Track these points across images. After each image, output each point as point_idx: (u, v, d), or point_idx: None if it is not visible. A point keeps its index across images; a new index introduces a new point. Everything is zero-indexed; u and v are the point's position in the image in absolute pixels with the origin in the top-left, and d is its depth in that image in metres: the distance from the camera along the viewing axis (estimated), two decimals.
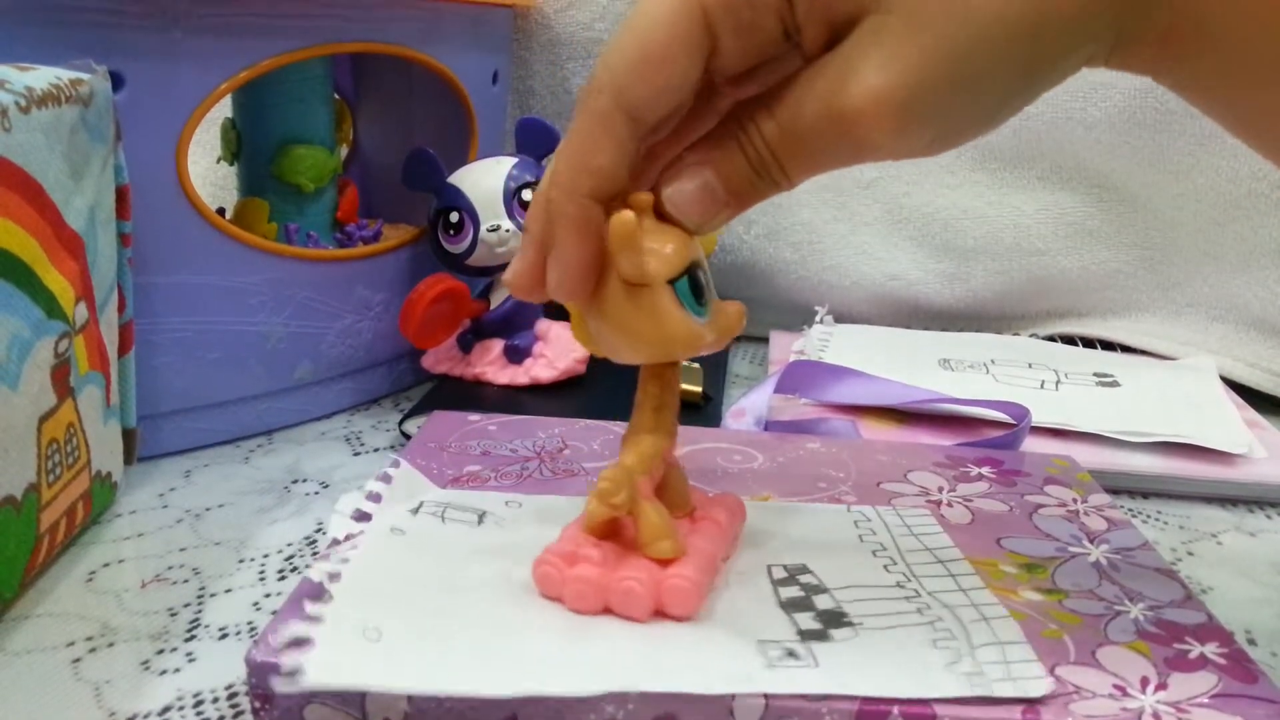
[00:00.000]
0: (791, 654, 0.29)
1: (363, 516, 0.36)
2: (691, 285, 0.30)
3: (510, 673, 0.28)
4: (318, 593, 0.31)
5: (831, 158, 0.28)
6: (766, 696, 0.27)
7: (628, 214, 0.29)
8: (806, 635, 0.30)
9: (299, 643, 0.29)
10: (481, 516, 0.38)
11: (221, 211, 0.56)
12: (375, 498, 0.38)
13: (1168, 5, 0.26)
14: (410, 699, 0.28)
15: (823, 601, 0.32)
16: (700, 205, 0.30)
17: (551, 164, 0.30)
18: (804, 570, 0.34)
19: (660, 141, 0.31)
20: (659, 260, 0.30)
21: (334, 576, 0.32)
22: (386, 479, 0.39)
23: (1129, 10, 0.26)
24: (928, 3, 0.26)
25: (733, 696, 0.27)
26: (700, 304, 0.31)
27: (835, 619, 0.31)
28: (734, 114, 0.30)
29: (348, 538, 0.35)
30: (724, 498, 0.36)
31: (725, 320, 0.32)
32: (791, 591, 0.32)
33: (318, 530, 0.42)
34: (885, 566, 0.34)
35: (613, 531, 0.33)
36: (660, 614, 0.31)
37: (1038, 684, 0.28)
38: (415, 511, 0.38)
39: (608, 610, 0.31)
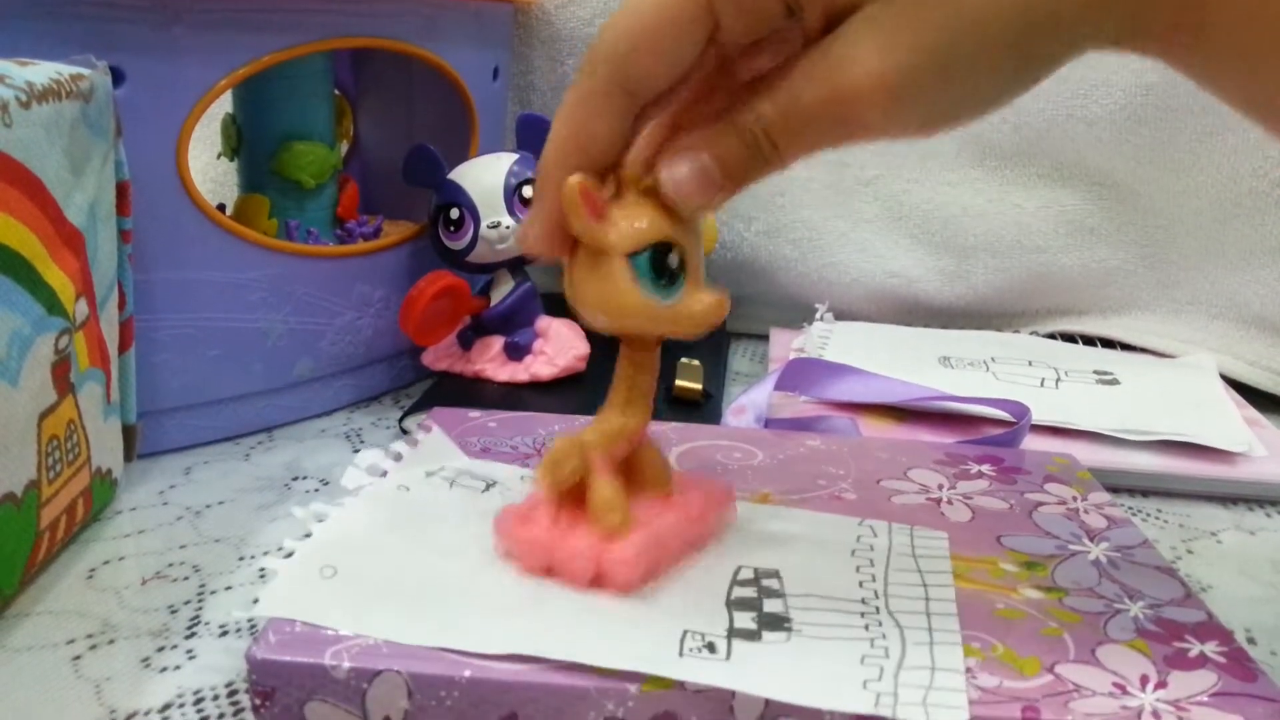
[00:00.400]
0: (710, 647, 0.29)
1: (378, 472, 0.38)
2: (654, 263, 0.30)
3: (430, 625, 0.29)
4: (299, 531, 0.33)
5: (826, 137, 0.29)
6: (688, 686, 0.28)
7: (574, 179, 0.29)
8: (736, 633, 0.30)
9: (266, 575, 0.31)
10: (490, 485, 0.39)
11: (222, 208, 0.56)
12: (396, 457, 0.40)
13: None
14: (410, 695, 0.28)
15: (772, 605, 0.31)
16: (697, 188, 0.30)
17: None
18: (772, 575, 0.33)
19: (682, 111, 0.32)
20: (619, 232, 0.30)
21: (320, 517, 0.35)
22: (414, 442, 0.41)
23: (1133, 6, 0.26)
24: None
25: (733, 694, 0.27)
26: (663, 284, 0.31)
27: (776, 622, 0.31)
28: (729, 97, 0.30)
29: (359, 489, 0.37)
30: (710, 484, 0.36)
31: (697, 307, 0.31)
32: (746, 592, 0.32)
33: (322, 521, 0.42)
34: (861, 582, 0.33)
35: (577, 501, 0.33)
36: (598, 584, 0.32)
37: (951, 713, 0.27)
38: (431, 474, 0.39)
39: (551, 572, 0.32)
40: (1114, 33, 0.27)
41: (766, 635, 0.30)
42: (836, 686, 0.27)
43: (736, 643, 0.29)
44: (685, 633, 0.30)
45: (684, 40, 0.29)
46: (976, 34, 0.26)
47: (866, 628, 0.30)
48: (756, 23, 0.29)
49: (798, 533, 0.37)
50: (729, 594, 0.32)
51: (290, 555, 0.33)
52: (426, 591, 0.31)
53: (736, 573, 0.33)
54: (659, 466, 0.35)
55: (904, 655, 0.29)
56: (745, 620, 0.31)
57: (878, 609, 0.32)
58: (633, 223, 0.30)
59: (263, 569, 0.31)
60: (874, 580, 0.33)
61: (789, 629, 0.30)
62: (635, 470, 0.35)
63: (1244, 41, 0.26)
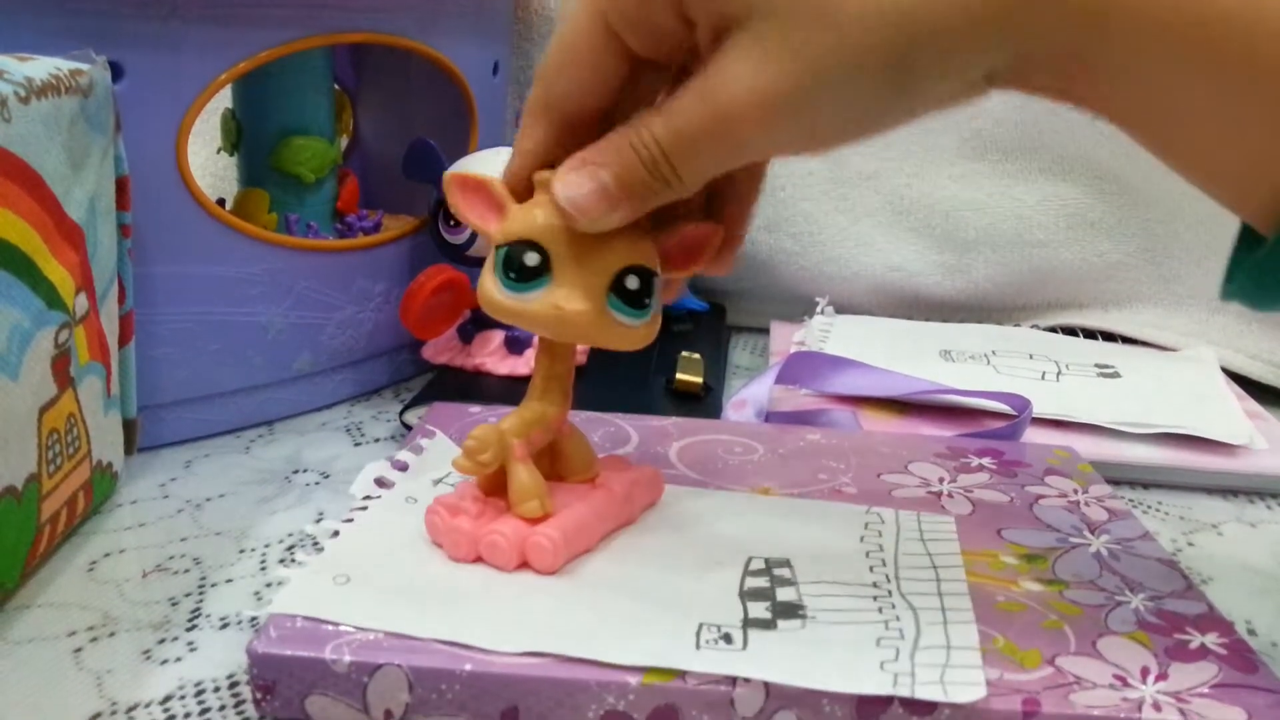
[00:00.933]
0: (727, 638, 0.29)
1: (385, 483, 0.38)
2: (507, 259, 0.32)
3: (447, 622, 0.30)
4: (311, 544, 0.34)
5: (713, 156, 0.30)
6: (702, 678, 0.28)
7: (450, 174, 0.34)
8: (752, 623, 0.30)
9: (280, 584, 0.31)
10: None
11: (222, 202, 0.56)
12: (401, 466, 0.40)
13: (1071, 29, 0.25)
14: (411, 689, 0.28)
15: (785, 594, 0.32)
16: (593, 203, 0.31)
17: None
18: (783, 564, 0.34)
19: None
20: (498, 226, 0.33)
21: (332, 533, 0.35)
22: (418, 449, 0.41)
23: (1024, 31, 0.26)
24: (802, 13, 0.27)
25: (734, 687, 0.27)
26: (512, 279, 0.32)
27: (790, 611, 0.31)
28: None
29: (365, 499, 0.37)
30: (637, 470, 0.37)
31: (533, 306, 0.32)
32: (758, 582, 0.32)
33: (318, 521, 0.42)
34: (871, 567, 0.33)
35: (502, 489, 0.35)
36: (524, 568, 0.33)
37: (970, 690, 0.27)
38: (438, 482, 0.39)
39: (480, 559, 0.33)
40: (1006, 60, 0.27)
41: (781, 624, 0.30)
42: (855, 670, 0.28)
43: (753, 632, 0.30)
44: (701, 625, 0.30)
45: (596, 63, 0.31)
46: (854, 53, 0.26)
47: (880, 611, 0.31)
48: (659, 41, 0.30)
49: (805, 521, 0.37)
50: (741, 585, 0.32)
51: (303, 565, 0.33)
52: (443, 594, 0.31)
53: (748, 563, 0.34)
54: (583, 453, 0.37)
55: (919, 636, 0.29)
56: (759, 610, 0.31)
57: (890, 592, 0.32)
58: (509, 218, 0.33)
59: (278, 580, 0.31)
60: (884, 565, 0.34)
61: (803, 616, 0.30)
62: (559, 457, 0.36)
63: (1149, 85, 0.26)
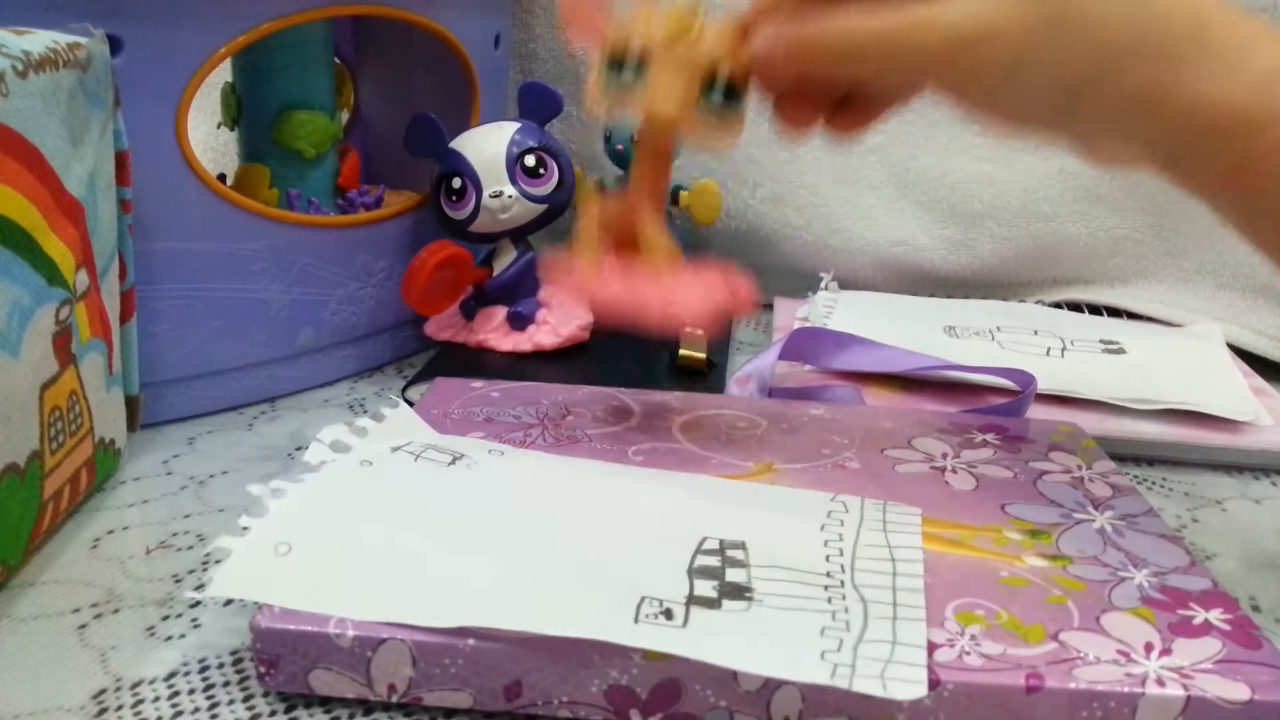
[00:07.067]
0: (668, 614, 0.29)
1: (342, 448, 0.38)
2: (610, 64, 0.37)
3: (380, 600, 0.29)
4: (256, 508, 0.33)
5: (893, 59, 0.32)
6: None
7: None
8: (696, 600, 0.30)
9: (221, 553, 0.31)
10: (456, 459, 0.38)
11: (222, 177, 0.55)
12: (360, 432, 0.39)
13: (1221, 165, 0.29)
14: (415, 663, 0.28)
15: (734, 575, 0.31)
16: (770, 50, 0.34)
17: None
18: (738, 546, 0.33)
19: None
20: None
21: (278, 493, 0.34)
22: (379, 417, 0.41)
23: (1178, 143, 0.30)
24: None
25: (735, 672, 0.27)
26: (618, 79, 0.37)
27: (737, 591, 0.30)
28: None
29: (320, 464, 0.37)
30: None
31: (641, 110, 0.37)
32: (709, 560, 0.32)
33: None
34: (828, 556, 0.33)
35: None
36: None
37: (910, 687, 0.26)
38: (396, 449, 0.39)
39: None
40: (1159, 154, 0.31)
41: (726, 604, 0.30)
42: (793, 657, 0.27)
43: (695, 610, 0.29)
44: (643, 599, 0.29)
45: None
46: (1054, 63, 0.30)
47: (829, 600, 0.30)
48: None
49: (769, 507, 0.36)
50: (692, 562, 0.32)
51: (246, 533, 0.32)
52: (380, 566, 0.31)
53: (702, 542, 0.33)
54: (652, 244, 0.40)
55: (865, 628, 0.29)
56: (706, 588, 0.30)
57: (842, 582, 0.31)
58: (614, 30, 0.37)
59: (217, 548, 0.31)
60: (841, 554, 0.33)
61: (750, 598, 0.30)
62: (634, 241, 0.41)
63: None
